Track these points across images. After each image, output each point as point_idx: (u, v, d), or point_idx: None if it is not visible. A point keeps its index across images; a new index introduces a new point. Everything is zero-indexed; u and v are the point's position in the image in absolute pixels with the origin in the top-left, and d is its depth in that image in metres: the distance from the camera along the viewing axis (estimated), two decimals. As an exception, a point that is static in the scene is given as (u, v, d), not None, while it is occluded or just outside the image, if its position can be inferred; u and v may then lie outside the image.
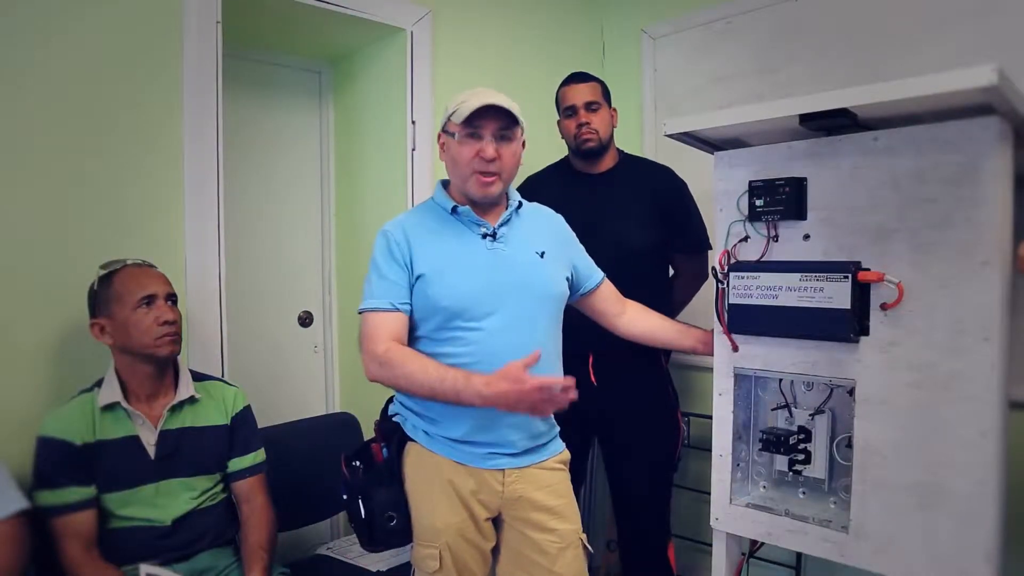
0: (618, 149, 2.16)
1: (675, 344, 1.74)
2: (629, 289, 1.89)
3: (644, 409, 2.03)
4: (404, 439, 1.49)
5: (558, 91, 2.14)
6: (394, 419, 1.52)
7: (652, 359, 2.05)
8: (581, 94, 2.06)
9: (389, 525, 1.42)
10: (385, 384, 1.42)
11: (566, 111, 2.09)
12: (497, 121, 1.42)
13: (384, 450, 1.48)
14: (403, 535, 1.45)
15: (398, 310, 1.44)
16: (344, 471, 1.49)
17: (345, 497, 1.47)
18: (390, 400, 1.59)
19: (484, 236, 1.50)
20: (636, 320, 1.74)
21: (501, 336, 1.45)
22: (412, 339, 1.50)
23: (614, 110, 2.13)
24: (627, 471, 2.07)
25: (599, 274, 1.71)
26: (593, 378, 2.00)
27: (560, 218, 1.71)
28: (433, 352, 1.44)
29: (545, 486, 1.51)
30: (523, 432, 1.49)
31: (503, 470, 1.47)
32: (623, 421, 2.02)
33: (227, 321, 1.91)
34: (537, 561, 1.49)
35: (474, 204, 1.51)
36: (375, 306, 1.44)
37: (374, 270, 1.48)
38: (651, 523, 2.06)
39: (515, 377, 1.27)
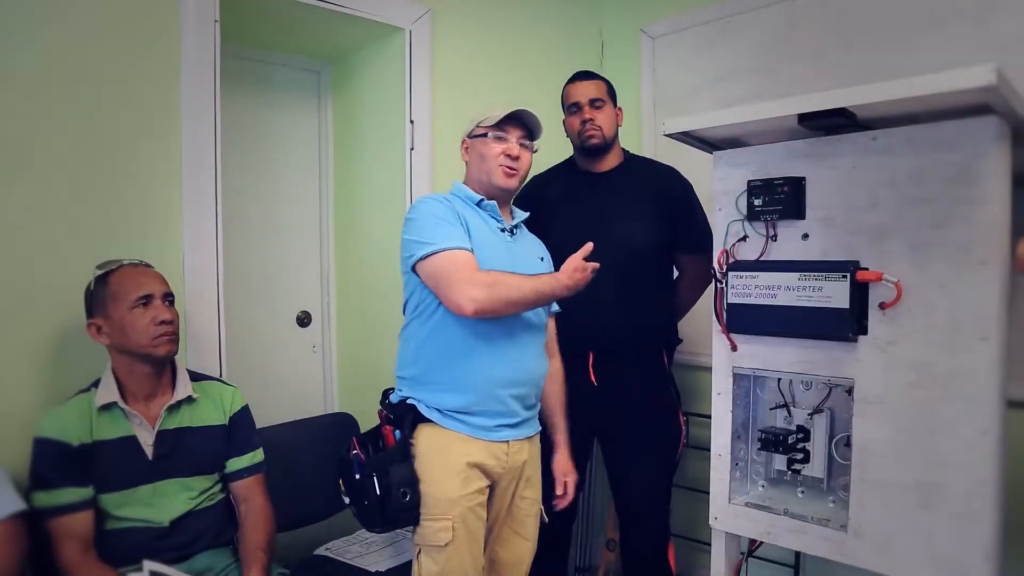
0: (623, 149, 2.15)
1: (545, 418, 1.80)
2: (635, 289, 1.88)
3: (645, 409, 2.02)
4: (416, 420, 1.56)
5: (563, 89, 2.13)
6: (408, 401, 1.58)
7: (654, 358, 2.04)
8: (585, 91, 2.05)
9: (403, 500, 1.48)
10: (487, 309, 1.46)
11: (570, 108, 2.08)
12: (520, 131, 1.66)
13: (396, 432, 1.56)
14: (413, 512, 1.51)
15: (471, 252, 1.52)
16: (357, 451, 1.55)
17: (357, 477, 1.52)
18: (388, 391, 1.66)
19: (502, 231, 1.66)
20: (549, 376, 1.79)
21: (513, 319, 1.57)
22: (434, 318, 1.56)
23: (619, 109, 2.12)
24: (628, 471, 2.06)
25: (555, 307, 1.81)
26: (593, 378, 2.00)
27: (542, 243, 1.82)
28: (443, 335, 1.55)
29: (531, 457, 1.68)
30: (521, 403, 1.62)
31: (507, 442, 1.60)
32: (624, 421, 2.02)
33: (225, 321, 1.91)
34: (506, 523, 1.67)
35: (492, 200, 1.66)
36: (456, 244, 1.50)
37: (434, 220, 1.54)
38: (652, 523, 2.06)
39: (582, 266, 1.54)
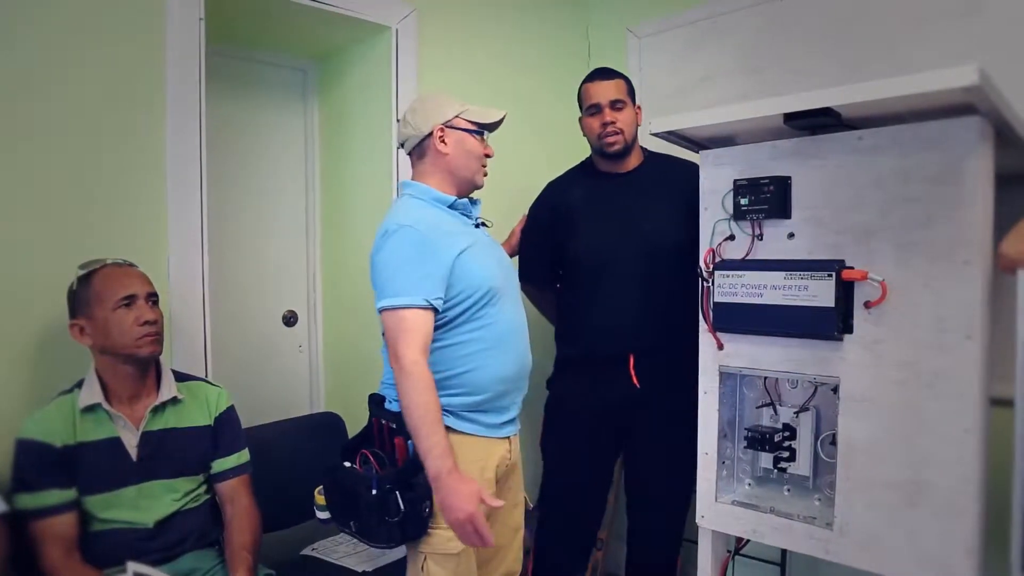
0: (642, 147, 2.07)
1: None
2: (666, 288, 1.86)
3: (683, 409, 1.98)
4: None
5: (581, 87, 2.03)
6: None
7: (690, 357, 2.02)
8: (606, 92, 1.95)
9: (424, 513, 1.44)
10: (400, 382, 1.41)
11: (589, 109, 1.98)
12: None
13: (409, 444, 1.46)
14: (427, 524, 1.46)
15: (431, 307, 1.43)
16: (374, 465, 1.48)
17: (375, 492, 1.42)
18: (377, 397, 1.58)
19: (477, 225, 1.63)
20: None
21: (512, 317, 1.57)
22: (439, 326, 1.49)
23: (638, 107, 2.03)
24: (655, 474, 2.01)
25: None
26: (636, 380, 1.94)
27: None
28: (457, 342, 1.50)
29: (515, 448, 1.67)
30: (521, 395, 1.64)
31: (509, 437, 1.61)
32: (661, 423, 1.96)
33: (211, 321, 1.89)
34: (497, 517, 1.61)
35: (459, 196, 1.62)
36: (409, 303, 1.41)
37: (403, 263, 1.44)
38: (668, 527, 2.04)
39: (479, 532, 1.35)
